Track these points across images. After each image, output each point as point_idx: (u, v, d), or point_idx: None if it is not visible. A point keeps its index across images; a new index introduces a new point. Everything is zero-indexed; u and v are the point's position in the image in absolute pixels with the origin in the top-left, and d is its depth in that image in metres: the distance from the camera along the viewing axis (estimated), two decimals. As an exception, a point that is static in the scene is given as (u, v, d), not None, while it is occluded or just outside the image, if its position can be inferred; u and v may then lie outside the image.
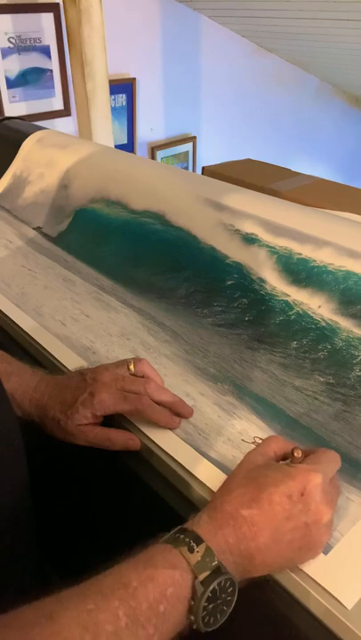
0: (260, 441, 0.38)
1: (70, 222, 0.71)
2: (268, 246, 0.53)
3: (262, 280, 0.51)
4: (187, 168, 2.06)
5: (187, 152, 2.03)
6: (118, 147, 1.82)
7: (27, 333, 0.50)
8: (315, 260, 0.49)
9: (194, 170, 2.06)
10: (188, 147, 2.03)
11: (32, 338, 0.49)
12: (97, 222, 0.68)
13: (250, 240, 0.54)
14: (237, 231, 0.55)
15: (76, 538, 0.49)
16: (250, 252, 0.53)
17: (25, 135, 0.88)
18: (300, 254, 0.50)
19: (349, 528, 0.31)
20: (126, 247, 0.64)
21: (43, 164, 0.80)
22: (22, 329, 0.51)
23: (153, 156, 1.92)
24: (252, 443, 0.38)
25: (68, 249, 0.67)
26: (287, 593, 0.29)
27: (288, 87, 2.18)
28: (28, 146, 0.84)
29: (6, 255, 0.65)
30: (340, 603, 0.27)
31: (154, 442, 0.37)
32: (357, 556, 0.30)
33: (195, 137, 2.03)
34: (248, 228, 0.55)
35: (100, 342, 0.49)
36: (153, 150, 1.91)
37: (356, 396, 0.41)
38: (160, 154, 1.93)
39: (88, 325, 0.52)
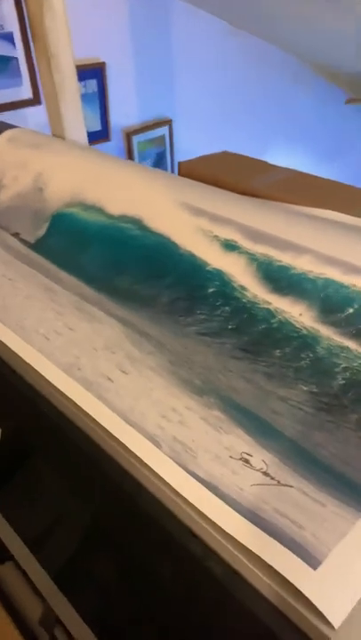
0: (247, 457, 0.39)
1: (48, 227, 0.70)
2: (247, 253, 0.53)
3: (243, 288, 0.52)
4: (164, 152, 2.03)
5: (163, 136, 2.01)
6: (92, 134, 1.78)
7: (12, 352, 0.50)
8: (295, 268, 0.50)
9: (171, 154, 2.04)
10: (164, 130, 2.01)
11: (19, 357, 0.49)
12: (75, 227, 0.67)
13: (230, 247, 0.54)
14: (216, 237, 0.56)
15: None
16: (230, 259, 0.54)
17: (-4, 133, 0.86)
18: (281, 262, 0.51)
19: (337, 542, 0.33)
20: (106, 254, 0.63)
21: (16, 165, 0.78)
22: (7, 347, 0.50)
23: (129, 142, 1.89)
24: (240, 459, 0.39)
25: (47, 256, 0.66)
26: (274, 607, 0.30)
27: (266, 68, 2.15)
28: (-1, 147, 0.82)
29: (-16, 265, 0.64)
30: (329, 621, 0.28)
31: (145, 464, 0.38)
32: (346, 571, 0.31)
33: (170, 120, 2.00)
34: (227, 234, 0.55)
35: (85, 357, 0.49)
36: (128, 136, 1.88)
37: (339, 405, 0.42)
38: (136, 139, 1.90)
39: (72, 339, 0.52)
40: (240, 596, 0.31)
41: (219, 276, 0.54)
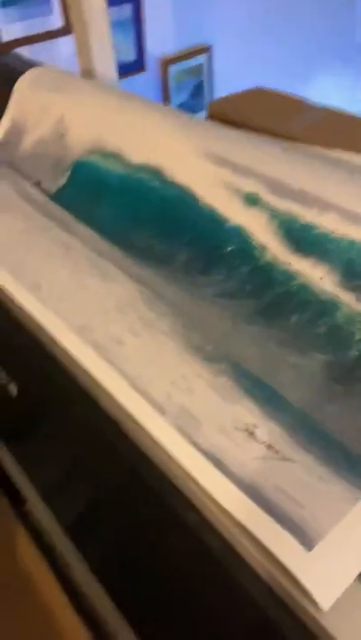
0: (253, 429, 0.38)
1: (69, 176, 0.68)
2: (269, 209, 0.50)
3: (263, 247, 0.49)
4: (202, 83, 1.92)
5: (201, 65, 1.89)
6: (125, 65, 1.69)
7: (27, 312, 0.50)
8: (318, 227, 0.46)
9: (210, 85, 1.92)
10: (202, 59, 1.88)
11: (32, 318, 0.49)
12: (95, 177, 0.65)
13: (251, 200, 0.51)
14: (238, 190, 0.52)
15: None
16: (251, 214, 0.51)
17: (20, 73, 0.82)
18: (304, 219, 0.47)
19: (335, 524, 0.32)
20: (125, 206, 0.61)
21: (37, 109, 0.75)
22: (22, 306, 0.50)
23: (165, 73, 1.79)
24: (245, 431, 0.38)
25: (67, 206, 0.65)
26: (267, 586, 0.30)
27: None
28: (20, 88, 0.79)
29: (4, 218, 0.63)
30: (318, 603, 0.28)
31: (149, 433, 0.38)
32: (340, 554, 0.31)
33: (209, 47, 1.87)
34: (250, 186, 0.52)
35: (97, 319, 0.49)
36: (165, 66, 1.78)
37: (353, 378, 0.41)
38: (172, 69, 1.79)
39: (85, 299, 0.51)
40: (234, 573, 0.31)
41: (238, 233, 0.51)
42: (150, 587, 0.37)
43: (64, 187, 0.67)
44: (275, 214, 0.49)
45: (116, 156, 0.64)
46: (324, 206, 0.47)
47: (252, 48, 1.94)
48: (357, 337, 0.42)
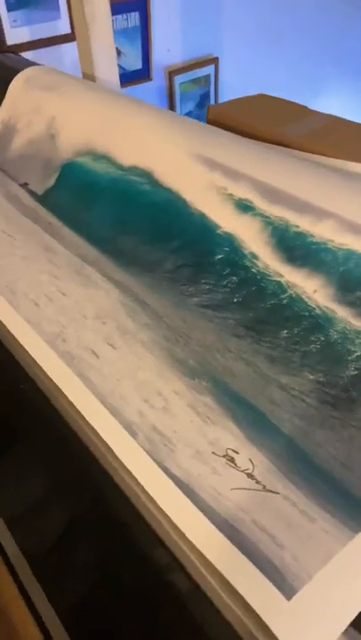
0: (232, 454, 0.34)
1: (57, 178, 0.65)
2: (262, 215, 0.46)
3: (254, 256, 0.45)
4: (208, 94, 1.90)
5: (208, 75, 1.87)
6: (131, 73, 1.68)
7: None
8: (313, 235, 0.43)
9: (216, 96, 1.91)
10: (209, 69, 1.87)
11: (2, 324, 0.45)
12: (83, 179, 0.62)
13: (244, 207, 0.48)
14: (231, 196, 0.49)
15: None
16: (243, 221, 0.47)
17: (16, 72, 0.80)
18: (298, 227, 0.44)
19: (320, 567, 0.28)
20: (112, 210, 0.58)
21: (30, 109, 0.73)
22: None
23: (171, 82, 1.77)
24: (224, 457, 0.34)
25: (53, 210, 0.62)
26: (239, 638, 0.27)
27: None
28: (15, 88, 0.76)
29: (-14, 219, 0.60)
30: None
31: (116, 456, 0.34)
32: (323, 605, 0.27)
33: (216, 58, 1.86)
34: (242, 192, 0.48)
35: (73, 327, 0.45)
36: (170, 75, 1.76)
37: (347, 399, 0.37)
38: (178, 79, 1.78)
39: (62, 306, 0.48)
40: (202, 620, 0.27)
41: (229, 240, 0.48)
42: (110, 627, 0.33)
43: (52, 189, 0.64)
44: (268, 221, 0.46)
45: (106, 158, 0.61)
46: (321, 214, 0.43)
47: (260, 60, 1.92)
48: (353, 355, 0.38)
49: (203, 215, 0.50)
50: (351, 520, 0.30)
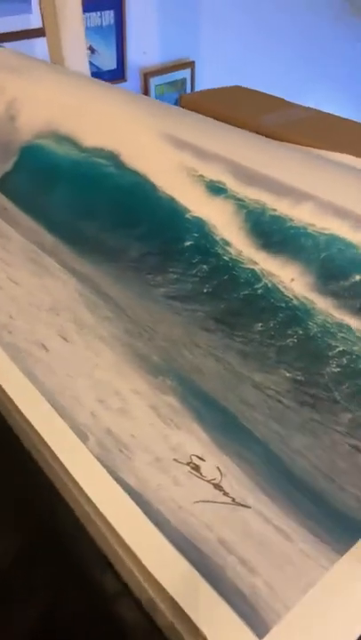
0: (197, 462, 0.30)
1: (16, 162, 0.60)
2: (236, 198, 0.42)
3: (226, 242, 0.41)
4: (184, 98, 1.87)
5: (184, 79, 1.84)
6: (106, 72, 1.64)
7: None
8: (292, 219, 0.39)
9: (192, 100, 1.87)
10: (185, 73, 1.84)
11: None
12: (44, 162, 0.57)
13: (216, 190, 0.44)
14: (202, 177, 0.45)
15: None
16: (214, 205, 0.43)
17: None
18: (275, 210, 0.40)
19: (299, 598, 0.24)
20: (75, 195, 0.53)
21: (-11, 90, 0.67)
22: None
23: (146, 85, 1.74)
24: (188, 464, 0.29)
25: (10, 195, 0.57)
26: None
27: (302, 5, 1.94)
28: (-26, 68, 0.71)
29: None
30: None
31: (61, 462, 0.29)
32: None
33: (193, 62, 1.83)
34: (215, 173, 0.44)
35: (22, 318, 0.40)
36: (146, 77, 1.73)
37: (329, 400, 0.33)
38: (153, 81, 1.75)
39: (13, 296, 0.42)
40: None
41: (199, 225, 0.43)
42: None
43: (9, 173, 0.59)
44: (242, 205, 0.42)
45: (69, 140, 0.56)
46: (301, 196, 0.39)
47: (238, 65, 1.91)
48: (335, 351, 0.34)
49: (172, 199, 0.46)
50: (334, 540, 0.26)
